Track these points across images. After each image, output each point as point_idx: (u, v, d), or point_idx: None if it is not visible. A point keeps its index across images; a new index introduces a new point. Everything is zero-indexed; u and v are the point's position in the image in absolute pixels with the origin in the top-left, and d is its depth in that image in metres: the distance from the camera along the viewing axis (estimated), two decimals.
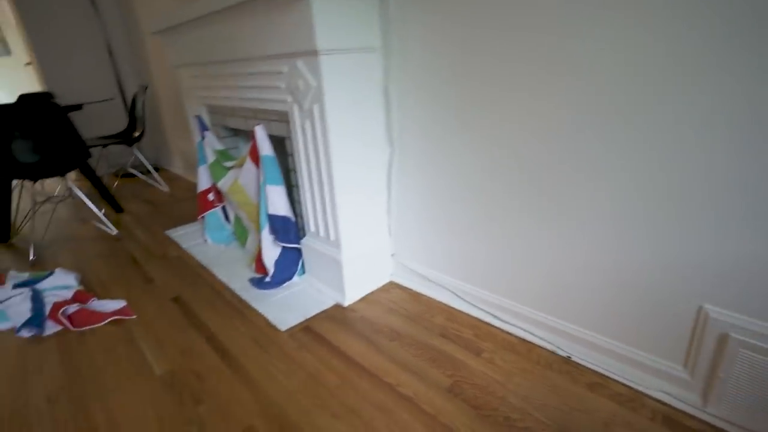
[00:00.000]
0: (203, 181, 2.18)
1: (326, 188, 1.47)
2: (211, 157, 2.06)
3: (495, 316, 1.40)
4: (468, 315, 1.46)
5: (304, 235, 1.73)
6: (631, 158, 0.98)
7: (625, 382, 1.13)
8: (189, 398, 1.17)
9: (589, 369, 1.19)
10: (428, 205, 1.50)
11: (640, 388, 1.11)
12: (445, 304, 1.53)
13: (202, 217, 2.21)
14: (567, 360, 1.23)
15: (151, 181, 3.51)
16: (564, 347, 1.24)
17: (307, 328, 1.45)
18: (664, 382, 1.08)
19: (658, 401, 1.07)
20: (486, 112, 1.22)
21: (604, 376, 1.16)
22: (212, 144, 2.06)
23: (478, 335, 1.36)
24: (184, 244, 2.21)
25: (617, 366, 1.15)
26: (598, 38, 0.96)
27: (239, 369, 1.27)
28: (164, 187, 3.32)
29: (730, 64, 0.81)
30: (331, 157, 1.40)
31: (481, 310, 1.43)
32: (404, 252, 1.66)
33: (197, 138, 2.14)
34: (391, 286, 1.69)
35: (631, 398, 1.09)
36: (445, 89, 1.29)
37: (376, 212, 1.61)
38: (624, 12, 0.91)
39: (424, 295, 1.60)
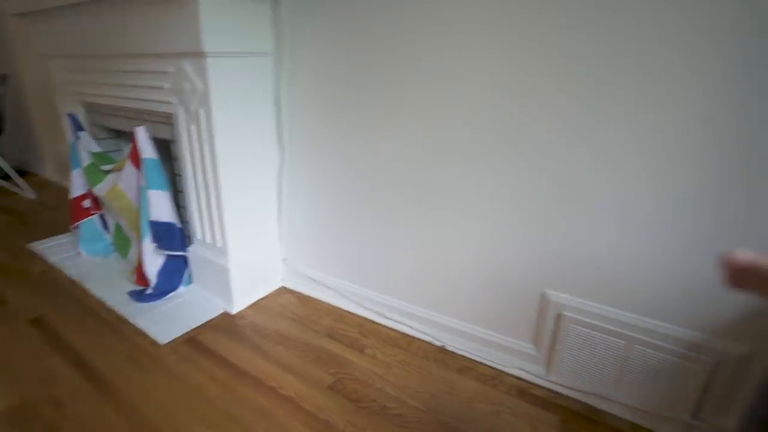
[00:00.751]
0: (77, 187, 1.98)
1: (213, 193, 1.44)
2: (86, 160, 1.88)
3: (379, 314, 1.47)
4: (355, 315, 1.52)
5: (190, 243, 1.66)
6: (497, 164, 1.11)
7: (488, 363, 1.27)
8: (41, 431, 1.06)
9: (460, 355, 1.31)
10: (318, 208, 1.53)
11: (501, 368, 1.25)
12: (333, 306, 1.58)
13: (76, 226, 2.00)
14: (442, 349, 1.34)
15: (11, 188, 3.08)
16: (439, 337, 1.35)
17: (190, 339, 1.40)
18: (518, 359, 1.23)
19: (514, 377, 1.22)
20: (372, 116, 1.29)
21: (472, 360, 1.29)
22: (88, 145, 1.88)
23: (363, 333, 1.42)
24: (52, 258, 1.98)
25: (483, 350, 1.28)
26: (473, 44, 1.07)
27: (109, 390, 1.18)
28: (29, 194, 2.93)
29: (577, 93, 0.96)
30: (217, 162, 1.37)
31: (367, 309, 1.50)
32: (295, 256, 1.67)
33: (70, 139, 1.94)
34: (283, 291, 1.69)
35: (493, 377, 1.22)
36: (334, 94, 1.34)
37: (265, 217, 1.60)
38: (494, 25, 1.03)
39: (315, 298, 1.63)
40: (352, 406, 1.12)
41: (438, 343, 1.35)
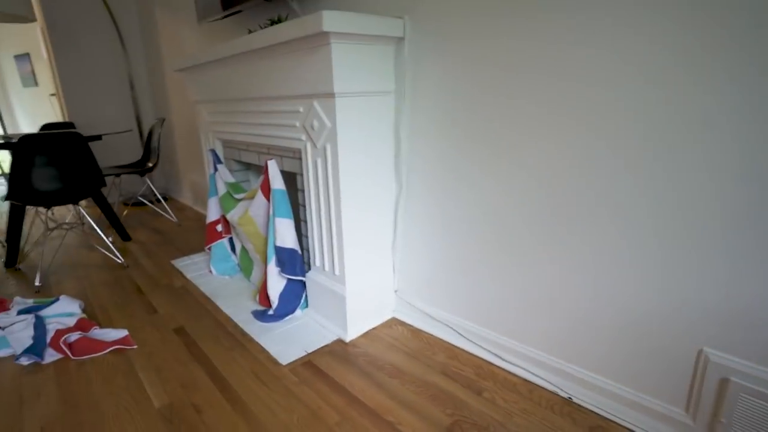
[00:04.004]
0: (213, 212, 2.23)
1: (333, 224, 1.51)
2: (222, 190, 2.12)
3: (497, 355, 1.39)
4: (469, 353, 1.46)
5: (309, 269, 1.75)
6: (644, 204, 1.02)
7: (626, 425, 1.12)
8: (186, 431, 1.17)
9: (591, 411, 1.18)
10: (433, 242, 1.53)
11: (641, 430, 1.09)
12: (446, 342, 1.53)
13: (209, 247, 2.25)
14: (568, 401, 1.22)
15: (160, 211, 3.58)
16: (566, 388, 1.24)
17: (308, 362, 1.45)
18: (666, 426, 1.07)
19: None
20: (494, 153, 1.27)
21: (605, 418, 1.15)
22: (224, 177, 2.12)
23: (479, 374, 1.35)
24: (189, 274, 2.23)
25: (619, 408, 1.14)
26: (605, 84, 1.02)
27: (239, 403, 1.27)
28: (172, 218, 3.38)
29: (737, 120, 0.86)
30: (340, 194, 1.45)
31: (483, 348, 1.43)
32: (407, 289, 1.68)
33: (210, 170, 2.21)
34: (394, 322, 1.69)
35: None
36: (455, 130, 1.36)
37: (381, 249, 1.64)
38: (628, 62, 0.98)
39: (426, 332, 1.60)
40: None
41: (564, 395, 1.23)
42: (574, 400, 1.22)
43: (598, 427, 1.13)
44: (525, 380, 1.31)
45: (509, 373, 1.35)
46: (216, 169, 2.14)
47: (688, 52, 0.88)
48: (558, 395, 1.24)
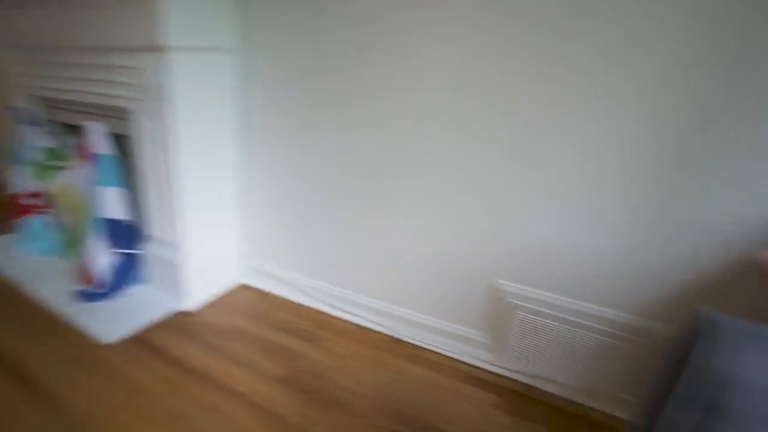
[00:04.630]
0: (22, 183, 1.88)
1: (170, 190, 1.40)
2: (34, 156, 1.79)
3: (334, 307, 1.47)
4: (311, 308, 1.52)
5: (145, 241, 1.61)
6: (449, 161, 1.13)
7: (440, 351, 1.30)
8: None
9: (412, 344, 1.33)
10: (277, 205, 1.52)
11: (452, 355, 1.28)
12: (292, 301, 1.57)
13: (18, 224, 1.91)
14: (394, 339, 1.36)
15: None
16: (392, 328, 1.37)
17: (140, 339, 1.36)
18: (468, 347, 1.26)
19: (465, 363, 1.26)
20: (332, 115, 1.29)
21: (423, 348, 1.32)
22: (36, 141, 1.79)
23: (318, 326, 1.42)
24: None
25: (434, 338, 1.31)
26: (436, 37, 1.09)
27: (47, 396, 1.13)
28: None
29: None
30: (176, 158, 1.33)
31: (322, 302, 1.50)
32: (255, 253, 1.65)
33: (15, 133, 1.84)
34: (242, 288, 1.66)
35: (444, 364, 1.25)
36: (293, 90, 1.33)
37: (224, 214, 1.57)
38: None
39: (274, 294, 1.61)
40: (305, 398, 1.12)
41: (391, 333, 1.37)
42: (400, 337, 1.36)
43: (417, 356, 1.29)
44: (359, 326, 1.42)
45: (345, 321, 1.45)
46: (24, 132, 1.79)
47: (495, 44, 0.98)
48: (386, 335, 1.38)
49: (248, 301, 1.57)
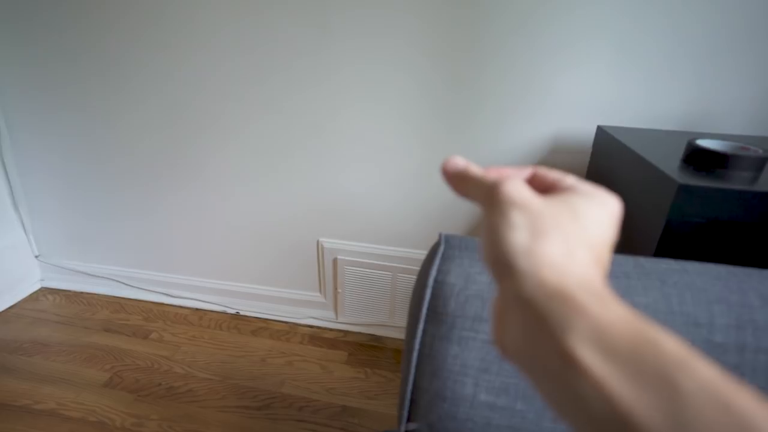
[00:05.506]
0: None
1: None
2: None
3: (167, 294, 1.36)
4: (138, 300, 1.38)
5: None
6: (259, 126, 1.09)
7: (282, 319, 1.31)
8: None
9: (255, 318, 1.32)
10: (70, 196, 1.30)
11: (294, 320, 1.31)
12: (111, 297, 1.40)
13: None
14: (236, 315, 1.33)
15: None
16: (232, 305, 1.34)
17: None
18: (309, 309, 1.30)
19: (307, 326, 1.30)
20: (107, 89, 1.12)
21: (266, 320, 1.31)
22: None
23: (148, 318, 1.30)
24: None
25: (276, 308, 1.32)
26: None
27: None
28: None
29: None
30: None
31: (152, 291, 1.37)
32: (53, 251, 1.41)
33: None
34: (43, 292, 1.42)
35: (287, 331, 1.27)
36: (60, 72, 1.11)
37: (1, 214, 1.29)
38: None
39: (87, 293, 1.41)
40: (133, 397, 1.04)
41: (232, 311, 1.33)
42: (241, 312, 1.33)
43: (260, 329, 1.28)
44: (195, 309, 1.35)
45: (180, 307, 1.36)
46: None
47: None
48: (226, 313, 1.33)
49: (54, 307, 1.35)
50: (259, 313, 1.32)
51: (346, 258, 1.20)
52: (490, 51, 0.91)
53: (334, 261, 1.21)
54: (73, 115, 1.18)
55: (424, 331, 0.46)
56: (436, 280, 0.45)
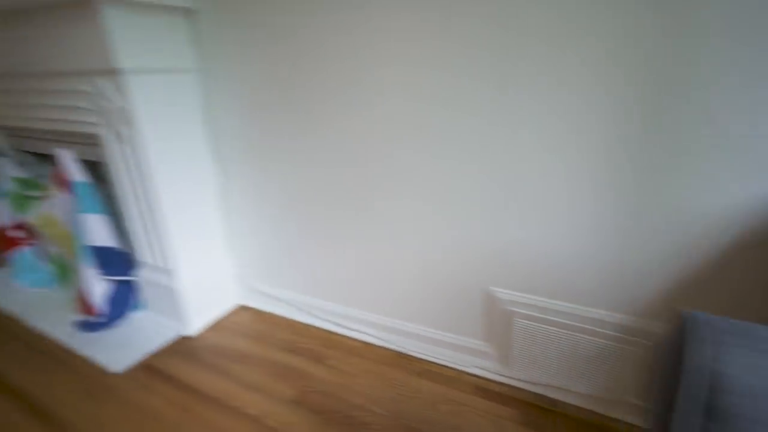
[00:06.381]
0: (2, 215, 1.86)
1: (151, 213, 1.40)
2: (9, 187, 1.77)
3: (338, 324, 1.49)
4: (315, 327, 1.53)
5: (138, 267, 1.60)
6: (432, 170, 1.16)
7: (447, 364, 1.32)
8: None
9: (418, 358, 1.35)
10: (265, 224, 1.53)
11: (459, 367, 1.30)
12: (291, 320, 1.58)
13: (8, 257, 1.88)
14: (401, 354, 1.38)
15: None
16: (398, 343, 1.39)
17: (147, 366, 1.35)
18: (475, 358, 1.29)
19: (473, 375, 1.28)
20: (304, 129, 1.30)
21: (430, 362, 1.34)
22: (9, 171, 1.77)
23: (325, 345, 1.43)
24: None
25: (440, 351, 1.33)
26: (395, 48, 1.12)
27: (61, 427, 1.13)
28: None
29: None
30: (152, 182, 1.33)
31: (327, 321, 1.51)
32: (248, 273, 1.66)
33: None
34: (239, 309, 1.67)
35: (452, 377, 1.27)
36: (268, 107, 1.33)
37: (212, 235, 1.58)
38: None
39: (272, 314, 1.62)
40: (318, 419, 1.13)
41: (397, 349, 1.39)
42: (406, 351, 1.38)
43: (426, 371, 1.31)
44: (365, 343, 1.44)
45: (352, 339, 1.46)
46: None
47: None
48: (392, 350, 1.39)
49: (248, 323, 1.57)
50: (425, 354, 1.35)
51: (518, 310, 1.16)
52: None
53: (505, 311, 1.19)
54: (271, 148, 1.38)
55: (705, 428, 0.42)
56: (711, 371, 0.41)
